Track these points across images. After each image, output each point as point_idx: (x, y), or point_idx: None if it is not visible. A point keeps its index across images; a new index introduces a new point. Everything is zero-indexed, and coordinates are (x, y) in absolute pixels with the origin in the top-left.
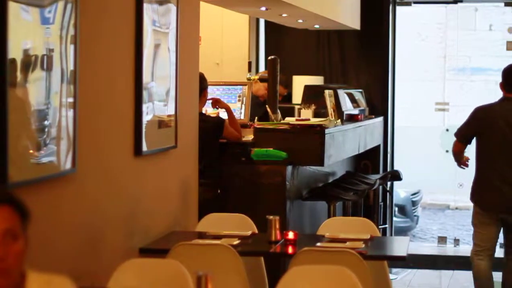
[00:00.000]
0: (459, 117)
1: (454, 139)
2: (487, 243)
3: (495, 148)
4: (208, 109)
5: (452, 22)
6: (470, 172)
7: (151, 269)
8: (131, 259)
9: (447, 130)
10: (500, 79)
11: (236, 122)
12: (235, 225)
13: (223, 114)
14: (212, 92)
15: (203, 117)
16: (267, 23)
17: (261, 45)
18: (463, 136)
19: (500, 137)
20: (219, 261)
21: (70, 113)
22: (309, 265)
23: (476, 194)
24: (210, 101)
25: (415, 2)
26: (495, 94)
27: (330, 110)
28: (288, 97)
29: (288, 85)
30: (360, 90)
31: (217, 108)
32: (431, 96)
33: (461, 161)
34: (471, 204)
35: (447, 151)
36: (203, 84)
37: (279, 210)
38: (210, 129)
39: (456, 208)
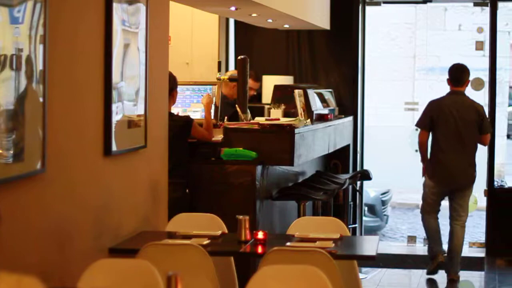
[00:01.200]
0: None
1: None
2: (434, 206)
3: (446, 133)
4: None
5: (422, 22)
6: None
7: (121, 269)
8: (101, 259)
9: (417, 129)
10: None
11: (210, 122)
12: (205, 225)
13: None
14: (182, 92)
15: (172, 117)
16: (236, 22)
17: (230, 44)
18: (423, 123)
19: (450, 124)
20: (189, 261)
21: (39, 113)
22: (279, 264)
23: (430, 170)
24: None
25: (384, 2)
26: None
27: (300, 110)
28: (258, 97)
29: (259, 78)
30: (330, 89)
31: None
32: (401, 96)
33: (424, 155)
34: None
35: (416, 150)
36: (172, 84)
37: (249, 209)
38: (178, 128)
39: None
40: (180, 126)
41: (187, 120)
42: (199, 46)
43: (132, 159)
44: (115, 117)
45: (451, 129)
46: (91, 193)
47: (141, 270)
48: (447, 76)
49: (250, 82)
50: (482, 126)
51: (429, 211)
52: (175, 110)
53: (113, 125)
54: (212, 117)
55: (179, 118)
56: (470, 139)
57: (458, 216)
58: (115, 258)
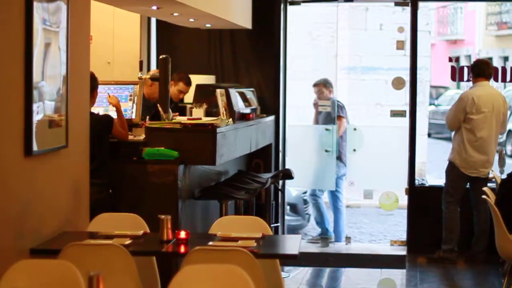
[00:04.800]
0: (350, 116)
1: (331, 138)
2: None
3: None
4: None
5: (343, 22)
6: (360, 170)
7: (42, 270)
8: (22, 260)
9: (327, 130)
10: (390, 78)
11: (124, 121)
12: (127, 225)
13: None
14: (104, 91)
15: (92, 116)
16: (158, 22)
17: (152, 44)
18: None
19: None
20: (110, 261)
21: None
22: (201, 264)
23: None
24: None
25: (304, 1)
26: (385, 93)
27: (222, 109)
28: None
29: (191, 83)
30: (252, 89)
31: (110, 104)
32: None
33: None
34: (361, 202)
35: (326, 150)
36: (93, 83)
37: (171, 209)
38: (99, 128)
39: (348, 206)
40: (101, 126)
41: (108, 119)
42: (120, 45)
43: (53, 159)
44: (36, 117)
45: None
46: (11, 193)
47: (62, 270)
48: (369, 75)
49: (182, 86)
50: None
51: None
52: (96, 110)
53: (34, 125)
54: (135, 117)
55: (100, 117)
56: None
57: None
58: (36, 259)
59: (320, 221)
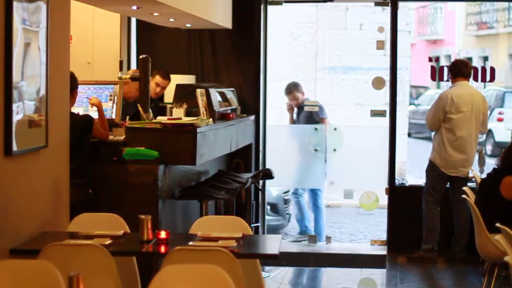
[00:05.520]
0: (330, 115)
1: (319, 138)
2: None
3: None
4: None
5: (323, 22)
6: (340, 170)
7: (22, 270)
8: (1, 260)
9: (316, 129)
10: (370, 78)
11: (105, 121)
12: (107, 225)
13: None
14: (84, 91)
15: (72, 116)
16: (139, 21)
17: (132, 44)
18: None
19: None
20: (91, 261)
21: None
22: (181, 264)
23: None
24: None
25: (286, 1)
26: (365, 93)
27: (202, 109)
28: (160, 97)
29: (168, 76)
30: (232, 89)
31: (92, 107)
32: None
33: None
34: (342, 202)
35: (316, 150)
36: (73, 83)
37: (151, 209)
38: (80, 128)
39: (328, 206)
40: (82, 126)
41: (88, 119)
42: (100, 45)
43: (33, 159)
44: (16, 117)
45: None
46: None
47: (42, 271)
48: (348, 75)
49: (158, 79)
50: None
51: None
52: (76, 110)
53: (14, 125)
54: (115, 116)
55: (80, 117)
56: None
57: None
58: (16, 259)
59: (301, 220)
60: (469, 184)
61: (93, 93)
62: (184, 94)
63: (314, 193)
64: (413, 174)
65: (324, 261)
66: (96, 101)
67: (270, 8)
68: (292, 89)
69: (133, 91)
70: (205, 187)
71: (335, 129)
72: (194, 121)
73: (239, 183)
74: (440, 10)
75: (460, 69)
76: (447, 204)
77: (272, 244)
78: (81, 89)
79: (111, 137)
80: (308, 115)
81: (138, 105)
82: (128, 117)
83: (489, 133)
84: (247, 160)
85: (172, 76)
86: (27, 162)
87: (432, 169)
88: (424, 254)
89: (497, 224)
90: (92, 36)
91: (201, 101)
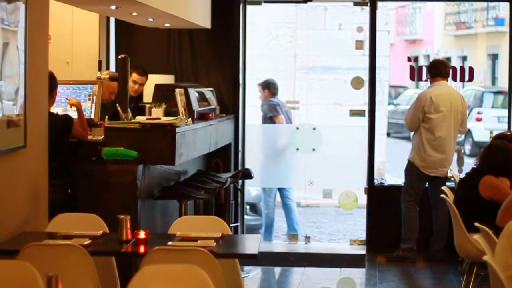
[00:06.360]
0: (309, 115)
1: (303, 137)
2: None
3: None
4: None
5: (302, 22)
6: (319, 170)
7: (0, 271)
8: None
9: (297, 128)
10: (349, 78)
11: (85, 121)
12: (86, 225)
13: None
14: (62, 91)
15: (51, 116)
16: (117, 21)
17: (111, 43)
18: None
19: None
20: (70, 262)
21: None
22: (161, 264)
23: None
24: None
25: (265, 1)
26: (344, 93)
27: (181, 109)
28: (139, 96)
29: (146, 73)
30: (211, 88)
31: (71, 107)
32: (282, 95)
33: None
34: (321, 202)
35: (297, 149)
36: (52, 83)
37: (131, 209)
38: (59, 128)
39: (307, 206)
40: (61, 126)
41: (67, 119)
42: (79, 45)
43: (11, 159)
44: None
45: None
46: None
47: (21, 271)
48: (327, 75)
49: (135, 76)
50: None
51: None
52: (55, 110)
53: None
54: (94, 116)
55: (59, 117)
56: None
57: None
58: None
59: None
60: (447, 183)
61: (72, 93)
62: (163, 94)
63: (281, 192)
64: (392, 174)
65: (303, 260)
66: (75, 101)
67: (249, 8)
68: (265, 85)
69: (106, 94)
70: (184, 187)
71: (314, 129)
72: (173, 121)
73: (218, 183)
74: (419, 10)
75: (439, 69)
76: (426, 203)
77: (251, 244)
78: (60, 89)
79: (90, 137)
80: (264, 114)
81: (117, 105)
82: (107, 117)
83: (468, 133)
84: (226, 160)
85: (151, 76)
86: (5, 162)
87: (411, 169)
88: (403, 253)
89: (476, 224)
90: (71, 36)
91: (180, 101)
